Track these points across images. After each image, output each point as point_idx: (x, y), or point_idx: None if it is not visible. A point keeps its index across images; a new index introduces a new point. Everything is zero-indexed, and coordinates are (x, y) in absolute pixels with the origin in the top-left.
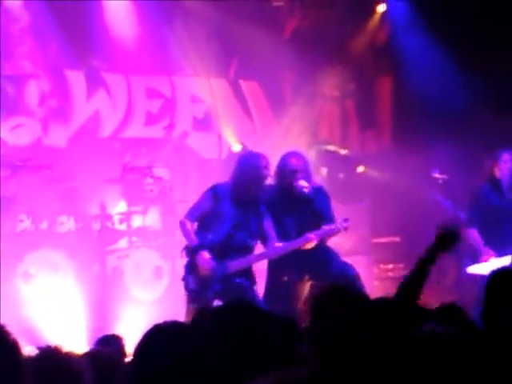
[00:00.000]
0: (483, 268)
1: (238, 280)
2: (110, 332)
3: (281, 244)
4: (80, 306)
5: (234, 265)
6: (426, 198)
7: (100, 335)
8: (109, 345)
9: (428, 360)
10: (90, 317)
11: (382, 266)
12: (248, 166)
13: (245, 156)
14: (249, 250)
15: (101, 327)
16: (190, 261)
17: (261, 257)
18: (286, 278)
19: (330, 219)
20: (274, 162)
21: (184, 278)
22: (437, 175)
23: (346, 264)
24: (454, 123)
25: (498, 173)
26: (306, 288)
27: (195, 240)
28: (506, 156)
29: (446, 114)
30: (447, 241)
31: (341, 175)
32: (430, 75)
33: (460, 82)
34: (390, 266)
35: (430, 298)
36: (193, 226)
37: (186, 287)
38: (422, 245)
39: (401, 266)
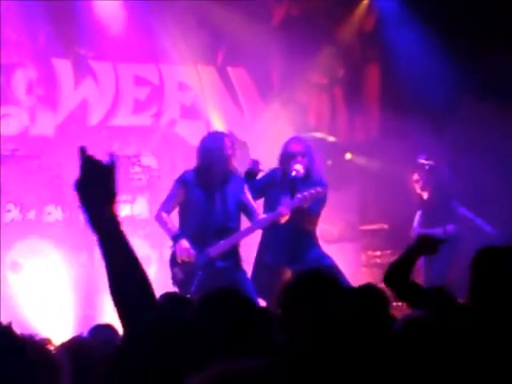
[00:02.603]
0: None
1: (221, 264)
2: (97, 321)
3: (263, 215)
4: (68, 294)
5: (215, 249)
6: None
7: (88, 324)
8: (100, 334)
9: (411, 347)
10: (79, 305)
11: (369, 252)
12: (209, 147)
13: (205, 138)
14: (230, 231)
15: (89, 316)
16: (172, 253)
17: (238, 236)
18: (268, 261)
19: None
20: (261, 149)
21: (171, 272)
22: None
23: (322, 254)
24: (440, 110)
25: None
26: (288, 272)
27: (172, 230)
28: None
29: (432, 102)
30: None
31: (329, 162)
32: (417, 62)
33: (446, 69)
34: (378, 253)
35: None
36: (169, 218)
37: (174, 280)
38: (410, 232)
39: (388, 252)
